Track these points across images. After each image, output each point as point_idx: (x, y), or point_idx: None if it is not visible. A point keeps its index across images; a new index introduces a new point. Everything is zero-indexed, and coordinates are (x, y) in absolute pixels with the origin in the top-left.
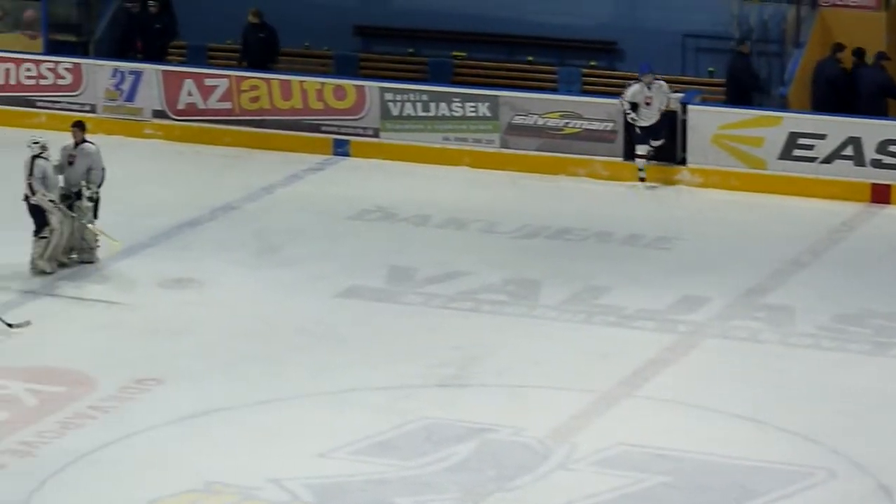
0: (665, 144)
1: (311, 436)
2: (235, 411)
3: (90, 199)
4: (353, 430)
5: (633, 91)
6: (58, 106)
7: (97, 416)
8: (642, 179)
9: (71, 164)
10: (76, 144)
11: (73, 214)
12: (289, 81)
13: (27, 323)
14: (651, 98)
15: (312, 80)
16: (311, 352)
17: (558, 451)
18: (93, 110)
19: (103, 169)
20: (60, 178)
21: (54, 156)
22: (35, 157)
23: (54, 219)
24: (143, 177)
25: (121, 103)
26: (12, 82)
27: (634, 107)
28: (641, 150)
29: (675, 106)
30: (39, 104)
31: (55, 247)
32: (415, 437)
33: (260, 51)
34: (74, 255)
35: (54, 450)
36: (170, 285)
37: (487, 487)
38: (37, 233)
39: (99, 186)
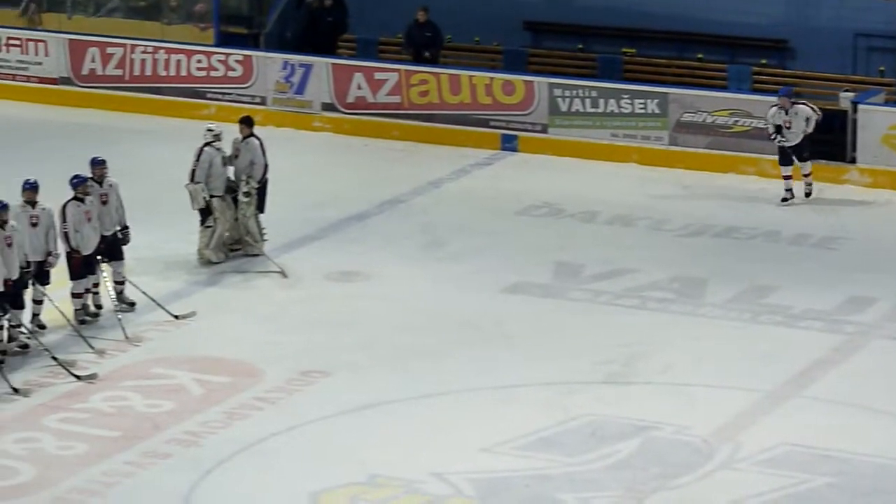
0: (834, 142)
1: (475, 430)
2: (400, 404)
3: (246, 193)
4: (517, 426)
5: (772, 113)
6: (228, 98)
7: (263, 407)
8: (784, 200)
9: (236, 157)
10: (243, 138)
11: (246, 200)
12: (458, 76)
13: (192, 313)
14: (790, 122)
15: (481, 75)
16: (477, 346)
17: (722, 450)
18: (262, 102)
19: (266, 164)
20: (229, 169)
21: (227, 147)
22: (206, 144)
23: (217, 208)
24: (312, 169)
25: (290, 96)
26: (183, 74)
27: (779, 128)
28: (786, 171)
29: (846, 105)
30: (210, 96)
31: (220, 236)
32: (579, 434)
33: (423, 49)
34: (239, 248)
35: (220, 440)
36: (336, 278)
37: (650, 485)
38: (202, 223)
39: (259, 181)
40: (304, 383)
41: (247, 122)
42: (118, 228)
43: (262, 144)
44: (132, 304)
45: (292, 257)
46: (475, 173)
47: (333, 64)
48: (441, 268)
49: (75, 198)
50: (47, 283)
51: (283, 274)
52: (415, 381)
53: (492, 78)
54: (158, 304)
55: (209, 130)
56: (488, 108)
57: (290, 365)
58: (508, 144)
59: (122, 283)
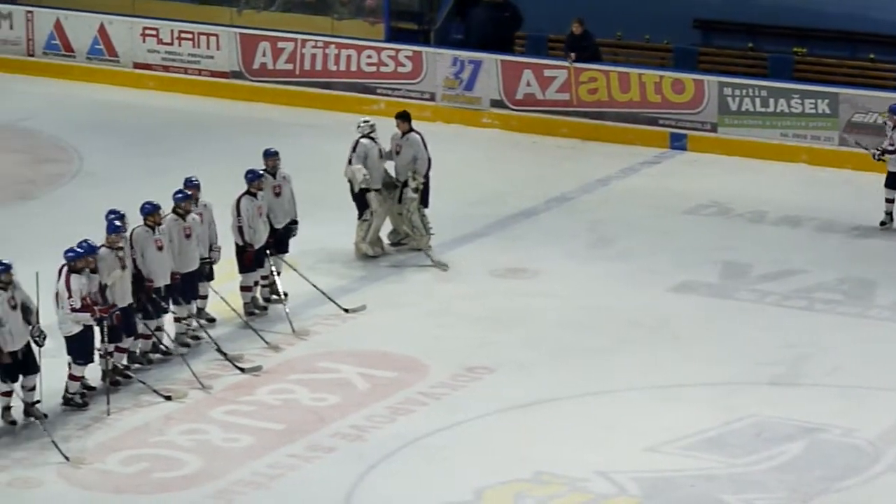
0: None
1: (640, 429)
2: (564, 402)
3: (415, 189)
4: (682, 425)
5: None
6: (397, 93)
7: (427, 403)
8: (882, 224)
9: (398, 153)
10: (402, 134)
11: (409, 196)
12: (627, 74)
13: (362, 307)
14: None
15: (651, 73)
16: (642, 345)
17: (889, 454)
18: (432, 98)
19: (429, 159)
20: (388, 164)
21: (385, 143)
22: (361, 137)
23: (374, 202)
24: (480, 166)
25: (460, 92)
26: (353, 69)
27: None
28: (889, 194)
29: None
30: (379, 91)
31: (375, 230)
32: (744, 434)
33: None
34: (405, 243)
35: (384, 434)
36: (502, 274)
37: (815, 487)
38: (359, 216)
39: (425, 176)
40: (468, 379)
41: (404, 118)
42: (288, 221)
43: (423, 139)
44: (286, 295)
45: (458, 253)
46: (643, 171)
47: (503, 61)
48: (608, 265)
49: (248, 192)
50: (211, 279)
51: (443, 267)
52: (580, 379)
53: (661, 76)
54: (329, 298)
55: (364, 122)
56: (657, 106)
57: (455, 360)
58: (677, 143)
59: (277, 275)
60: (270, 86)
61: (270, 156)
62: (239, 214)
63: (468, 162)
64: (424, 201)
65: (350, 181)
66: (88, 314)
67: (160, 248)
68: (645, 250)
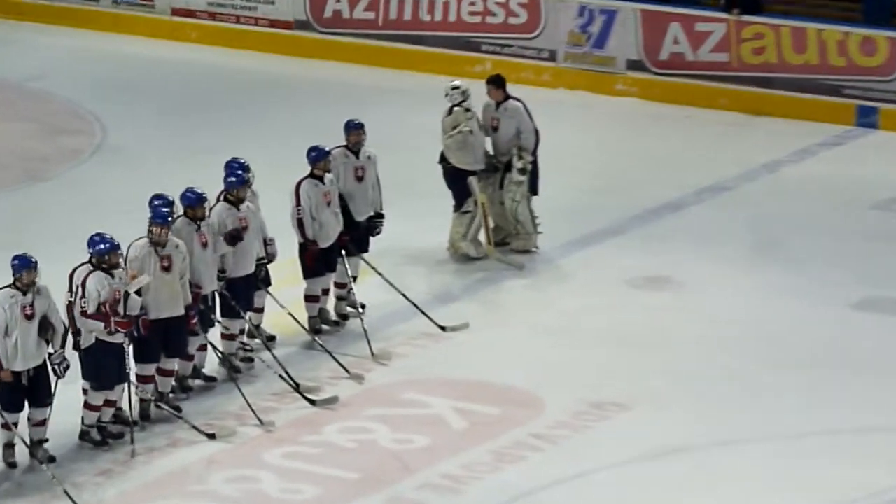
0: None
1: (817, 485)
2: (717, 449)
3: (522, 170)
4: (874, 480)
5: None
6: (507, 51)
7: (542, 448)
8: None
9: (496, 128)
10: (497, 104)
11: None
12: (804, 30)
13: (464, 325)
14: None
15: (834, 29)
16: (817, 377)
17: None
18: (551, 58)
19: (536, 131)
20: (488, 142)
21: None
22: (453, 107)
23: (477, 188)
24: (612, 145)
25: (587, 51)
26: (452, 19)
27: None
28: None
29: None
30: (485, 48)
31: (478, 224)
32: None
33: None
34: (509, 241)
35: (486, 487)
36: (640, 284)
37: None
38: (457, 207)
39: (533, 154)
40: (595, 418)
41: (498, 83)
42: (371, 214)
43: (526, 108)
44: (363, 307)
45: (582, 256)
46: (822, 155)
47: (643, 11)
48: (774, 276)
49: (312, 175)
50: (268, 284)
51: (518, 266)
52: (735, 420)
53: (847, 33)
54: (422, 312)
55: (454, 89)
56: (841, 71)
57: (579, 394)
58: (866, 119)
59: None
60: (346, 40)
61: (354, 129)
62: (299, 204)
63: (597, 139)
64: (534, 188)
65: (444, 152)
66: (101, 324)
67: (205, 246)
68: (822, 256)
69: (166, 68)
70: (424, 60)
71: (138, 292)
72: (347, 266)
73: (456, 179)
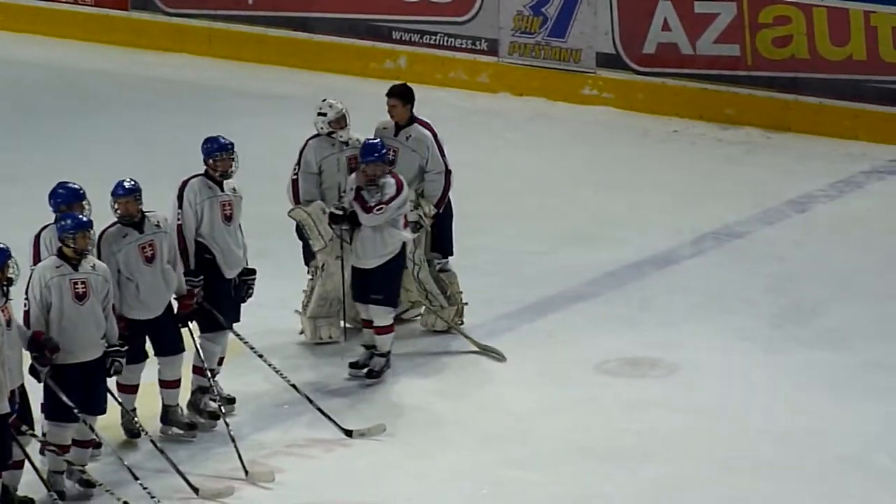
0: None
1: None
2: None
3: (416, 225)
4: None
5: None
6: (428, 41)
7: None
8: None
9: (391, 162)
10: (397, 128)
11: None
12: (844, 11)
13: (380, 428)
14: None
15: (887, 12)
16: None
17: None
18: (491, 50)
19: (447, 172)
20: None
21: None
22: (314, 136)
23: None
24: (576, 173)
25: (542, 40)
26: None
27: None
28: None
29: None
30: (395, 36)
31: (322, 295)
32: None
33: None
34: (407, 316)
35: None
36: (616, 371)
37: None
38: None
39: (438, 205)
40: None
41: (404, 98)
42: (240, 270)
43: (436, 138)
44: (231, 401)
45: (538, 330)
46: (870, 187)
47: None
48: (805, 355)
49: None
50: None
51: (498, 357)
52: None
53: None
54: (318, 409)
55: (328, 108)
56: None
57: None
58: None
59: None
60: (201, 24)
61: (219, 150)
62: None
63: (554, 165)
64: (442, 247)
65: (299, 224)
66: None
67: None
68: (872, 328)
69: None
70: (312, 53)
71: None
72: (207, 343)
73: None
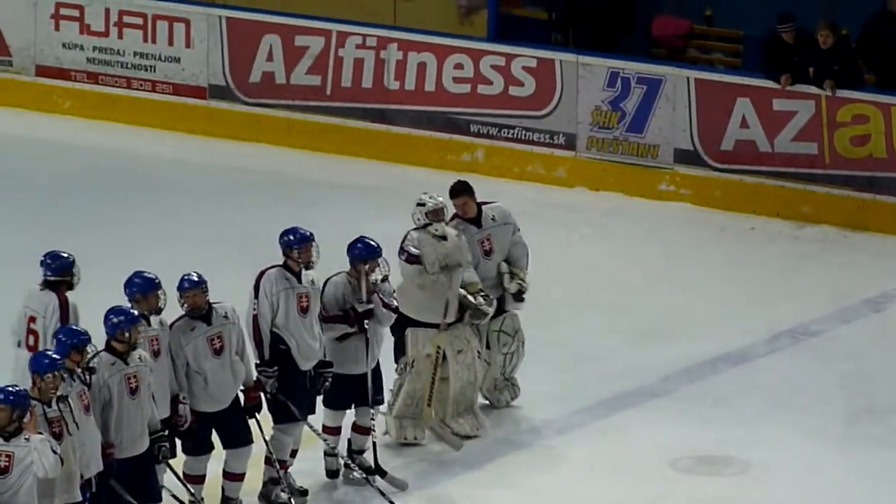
0: None
1: None
2: None
3: (519, 294)
4: None
5: None
6: (506, 135)
7: None
8: None
9: (488, 252)
10: (474, 220)
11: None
12: None
13: None
14: None
15: None
16: None
17: None
18: (569, 145)
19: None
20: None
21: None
22: (415, 229)
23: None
24: (651, 269)
25: (618, 135)
26: (429, 88)
27: None
28: None
29: None
30: (474, 129)
31: (413, 393)
32: None
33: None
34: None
35: None
36: (690, 466)
37: None
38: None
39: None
40: None
41: (470, 191)
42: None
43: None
44: (304, 493)
45: (609, 427)
46: None
47: (698, 80)
48: (879, 455)
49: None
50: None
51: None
52: None
53: None
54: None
55: (426, 199)
56: None
57: None
58: None
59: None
60: (280, 114)
61: (300, 242)
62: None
63: (630, 261)
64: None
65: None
66: None
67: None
68: None
69: (27, 151)
70: (389, 144)
71: None
72: (280, 434)
73: (398, 327)
